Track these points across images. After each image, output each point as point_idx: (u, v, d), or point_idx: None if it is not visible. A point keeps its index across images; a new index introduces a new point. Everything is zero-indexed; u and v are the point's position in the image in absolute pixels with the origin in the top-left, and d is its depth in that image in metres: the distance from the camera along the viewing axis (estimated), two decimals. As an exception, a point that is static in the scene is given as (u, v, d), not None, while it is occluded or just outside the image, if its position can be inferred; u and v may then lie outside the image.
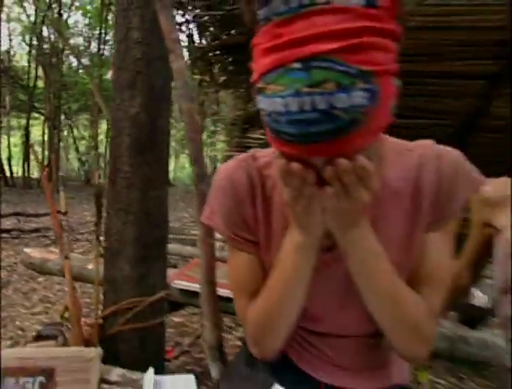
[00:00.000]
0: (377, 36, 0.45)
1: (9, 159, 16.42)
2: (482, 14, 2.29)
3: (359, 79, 0.43)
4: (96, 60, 14.90)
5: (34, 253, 2.78)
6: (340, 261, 0.64)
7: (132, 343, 1.43)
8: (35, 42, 15.08)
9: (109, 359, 1.45)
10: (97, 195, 1.50)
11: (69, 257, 1.44)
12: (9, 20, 16.48)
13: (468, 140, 2.75)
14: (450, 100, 2.70)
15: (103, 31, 14.60)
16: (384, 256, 0.62)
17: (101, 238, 1.53)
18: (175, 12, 2.89)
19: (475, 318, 1.45)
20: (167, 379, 1.05)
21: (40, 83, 16.11)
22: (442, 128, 2.77)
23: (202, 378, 1.54)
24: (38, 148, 16.41)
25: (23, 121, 16.99)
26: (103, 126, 15.99)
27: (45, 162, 14.70)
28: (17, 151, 20.63)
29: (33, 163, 16.03)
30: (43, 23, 14.17)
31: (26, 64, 16.53)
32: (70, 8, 15.97)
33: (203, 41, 2.96)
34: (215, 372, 1.20)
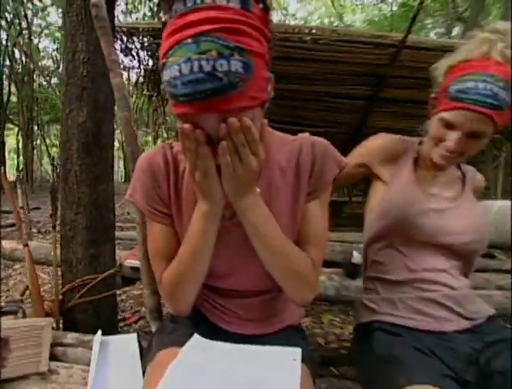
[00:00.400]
0: (251, 28, 0.48)
1: (-15, 164, 14.55)
2: (361, 54, 2.46)
3: (236, 52, 0.46)
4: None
5: (6, 244, 2.52)
6: (240, 227, 0.64)
7: (88, 312, 1.36)
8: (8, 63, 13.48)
9: (70, 327, 1.37)
10: (52, 191, 1.39)
11: (28, 245, 1.32)
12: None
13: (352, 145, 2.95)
14: (341, 114, 2.88)
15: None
16: (273, 219, 0.63)
17: (57, 227, 1.42)
18: (126, 39, 2.75)
19: (353, 271, 1.55)
20: (113, 339, 1.01)
21: (14, 98, 14.47)
22: (336, 135, 2.96)
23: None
24: (13, 155, 14.71)
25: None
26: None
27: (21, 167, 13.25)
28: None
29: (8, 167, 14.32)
30: (14, 46, 12.68)
31: (-1, 81, 14.70)
32: (39, 35, 14.45)
33: (151, 63, 2.84)
34: (155, 330, 1.18)
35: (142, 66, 2.89)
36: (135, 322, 2.23)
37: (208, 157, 0.53)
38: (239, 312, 0.75)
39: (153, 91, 3.09)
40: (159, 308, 1.09)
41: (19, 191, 1.38)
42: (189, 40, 0.46)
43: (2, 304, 1.23)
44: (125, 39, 2.73)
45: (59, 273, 1.42)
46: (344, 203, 3.51)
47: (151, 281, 1.08)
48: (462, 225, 0.82)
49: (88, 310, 1.36)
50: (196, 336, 0.71)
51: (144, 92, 3.12)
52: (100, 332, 0.99)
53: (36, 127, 15.70)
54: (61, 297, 1.38)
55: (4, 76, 13.84)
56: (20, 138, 14.30)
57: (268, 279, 0.67)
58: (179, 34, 0.47)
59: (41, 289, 1.41)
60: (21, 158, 14.48)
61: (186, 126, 0.50)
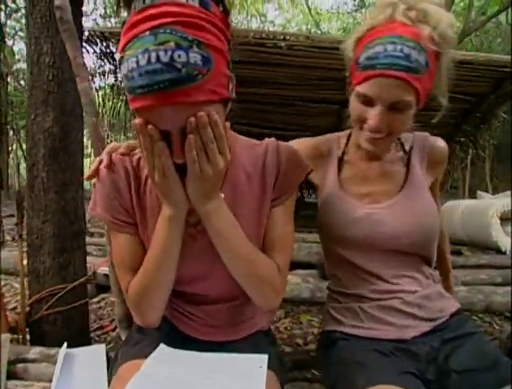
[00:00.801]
0: (210, 25, 0.47)
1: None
2: (334, 59, 2.49)
3: (194, 44, 0.45)
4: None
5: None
6: (205, 233, 0.61)
7: (57, 324, 1.30)
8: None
9: (37, 340, 1.30)
10: (18, 199, 1.32)
11: (-9, 255, 1.25)
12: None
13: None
14: (313, 118, 2.92)
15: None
16: (237, 225, 0.61)
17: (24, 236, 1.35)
18: (100, 43, 2.67)
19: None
20: (79, 351, 0.96)
21: (-14, 102, 13.74)
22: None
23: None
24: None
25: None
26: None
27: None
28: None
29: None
30: (-14, 47, 12.09)
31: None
32: (13, 37, 13.86)
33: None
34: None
35: (117, 71, 2.82)
36: (113, 330, 2.15)
37: (165, 154, 0.50)
38: (207, 319, 0.73)
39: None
40: (128, 317, 1.05)
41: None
42: (147, 33, 0.44)
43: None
44: (100, 44, 2.66)
45: (26, 284, 1.34)
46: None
47: (120, 290, 1.04)
48: (403, 226, 0.73)
49: (57, 322, 1.29)
50: (161, 346, 0.68)
51: (121, 97, 3.04)
52: (65, 345, 0.94)
53: (11, 132, 15.05)
54: (27, 308, 1.31)
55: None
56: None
57: (235, 285, 0.65)
58: (137, 28, 0.45)
59: (13, 300, 1.33)
60: (-5, 164, 13.82)
61: (138, 120, 0.48)
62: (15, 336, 1.25)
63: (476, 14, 9.17)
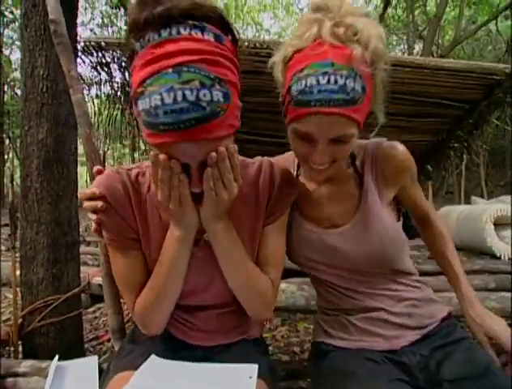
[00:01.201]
0: (225, 59, 0.49)
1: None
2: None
3: (216, 82, 0.47)
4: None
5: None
6: (204, 250, 0.66)
7: (50, 336, 1.29)
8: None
9: (30, 353, 1.29)
10: (11, 210, 1.32)
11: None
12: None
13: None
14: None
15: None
16: (240, 242, 0.65)
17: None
18: (96, 53, 2.70)
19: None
20: (70, 363, 0.94)
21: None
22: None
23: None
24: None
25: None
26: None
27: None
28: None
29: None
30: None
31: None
32: (10, 46, 13.91)
33: (121, 76, 2.80)
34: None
35: (113, 80, 2.84)
36: (108, 340, 2.13)
37: (185, 185, 0.53)
38: (200, 325, 0.75)
39: (125, 104, 3.04)
40: (122, 328, 1.04)
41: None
42: (170, 70, 0.45)
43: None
44: (95, 54, 2.68)
45: (19, 295, 1.33)
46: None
47: (113, 301, 1.03)
48: (358, 253, 0.71)
49: (50, 333, 1.28)
50: (152, 357, 0.69)
51: (117, 106, 3.06)
52: (56, 357, 0.93)
53: (7, 141, 15.01)
54: (20, 320, 1.30)
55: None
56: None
57: (230, 295, 0.69)
58: (157, 64, 0.46)
59: (6, 311, 1.32)
60: (-9, 173, 13.76)
61: (162, 156, 0.49)
62: (7, 349, 1.24)
63: (467, 22, 9.37)
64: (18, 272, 1.33)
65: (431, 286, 0.84)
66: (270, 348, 1.94)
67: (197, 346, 0.74)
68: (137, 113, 0.51)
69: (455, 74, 2.57)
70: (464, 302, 0.75)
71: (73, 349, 1.31)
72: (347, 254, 0.72)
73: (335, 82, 0.55)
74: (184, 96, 0.45)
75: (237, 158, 0.54)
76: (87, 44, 2.54)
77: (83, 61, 2.65)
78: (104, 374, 0.76)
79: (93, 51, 2.67)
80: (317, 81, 0.55)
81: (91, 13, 11.40)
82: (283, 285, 1.60)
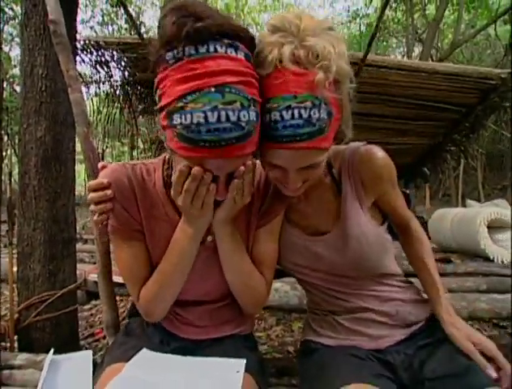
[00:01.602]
0: (253, 78, 0.52)
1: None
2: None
3: (251, 103, 0.50)
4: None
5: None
6: (206, 250, 0.71)
7: (45, 331, 1.31)
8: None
9: (26, 347, 1.30)
10: (9, 206, 1.34)
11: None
12: None
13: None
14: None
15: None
16: (242, 244, 0.71)
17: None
18: (96, 52, 2.71)
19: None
20: (65, 357, 0.97)
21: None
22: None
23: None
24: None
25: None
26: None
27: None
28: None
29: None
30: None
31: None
32: (10, 43, 13.86)
33: (119, 77, 2.82)
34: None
35: (112, 79, 2.86)
36: (104, 337, 2.14)
37: (211, 195, 0.58)
38: (193, 319, 0.77)
39: (124, 102, 3.06)
40: (116, 324, 1.06)
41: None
42: (213, 89, 0.48)
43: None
44: (94, 52, 2.70)
45: (16, 291, 1.35)
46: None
47: (108, 297, 1.05)
48: (341, 260, 0.73)
49: (46, 329, 1.30)
50: (143, 350, 0.71)
51: (116, 104, 3.08)
52: (52, 351, 0.95)
53: (6, 138, 14.96)
54: (16, 315, 1.31)
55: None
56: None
57: (224, 290, 0.74)
58: (199, 81, 0.48)
59: (3, 307, 1.34)
60: (-11, 169, 13.73)
61: (197, 168, 0.53)
62: (3, 344, 1.25)
63: (466, 26, 9.41)
64: (15, 268, 1.35)
65: (418, 285, 0.85)
66: (265, 346, 1.96)
67: (188, 339, 0.77)
68: (166, 124, 0.51)
69: (452, 78, 2.61)
70: (441, 310, 0.74)
71: (68, 345, 1.33)
72: (330, 260, 0.74)
73: (300, 116, 0.53)
74: (227, 116, 0.48)
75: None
76: (87, 42, 2.56)
77: (83, 60, 2.67)
78: (97, 368, 0.78)
79: (93, 50, 2.69)
80: (281, 116, 0.53)
81: (92, 11, 11.38)
82: (276, 284, 1.62)
